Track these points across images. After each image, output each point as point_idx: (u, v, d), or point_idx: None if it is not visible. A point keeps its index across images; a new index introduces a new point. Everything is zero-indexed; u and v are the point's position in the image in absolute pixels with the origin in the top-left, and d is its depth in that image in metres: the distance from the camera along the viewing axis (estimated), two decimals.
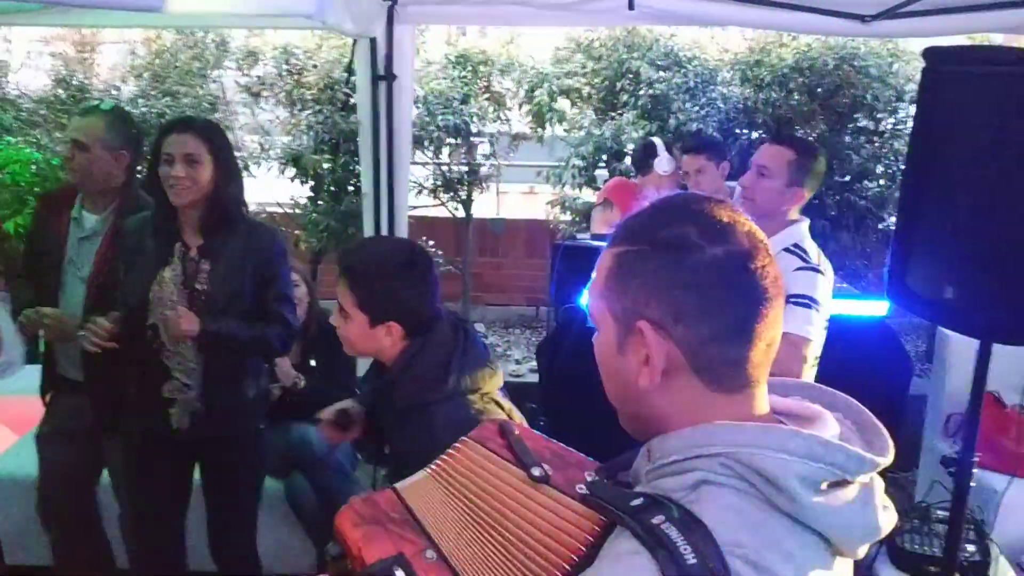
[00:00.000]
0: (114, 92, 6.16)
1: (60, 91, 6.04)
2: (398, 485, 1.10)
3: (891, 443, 0.92)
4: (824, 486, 0.85)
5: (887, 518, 0.89)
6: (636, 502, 0.87)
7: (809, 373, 2.39)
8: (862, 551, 0.88)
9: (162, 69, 6.09)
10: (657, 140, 4.15)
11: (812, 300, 2.38)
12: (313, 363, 3.38)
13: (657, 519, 0.82)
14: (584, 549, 0.95)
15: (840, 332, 2.62)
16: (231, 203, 2.47)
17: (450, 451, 1.15)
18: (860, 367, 3.21)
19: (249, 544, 2.86)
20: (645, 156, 4.09)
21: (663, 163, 4.00)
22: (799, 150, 2.55)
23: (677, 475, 0.88)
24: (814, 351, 2.39)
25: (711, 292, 0.89)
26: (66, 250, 2.68)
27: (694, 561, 0.78)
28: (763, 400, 0.94)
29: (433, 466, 1.13)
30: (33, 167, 4.77)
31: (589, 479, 1.07)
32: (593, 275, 0.99)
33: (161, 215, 2.45)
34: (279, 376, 3.18)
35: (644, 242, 0.92)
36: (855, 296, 3.83)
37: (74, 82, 6.09)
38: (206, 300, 2.43)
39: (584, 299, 2.97)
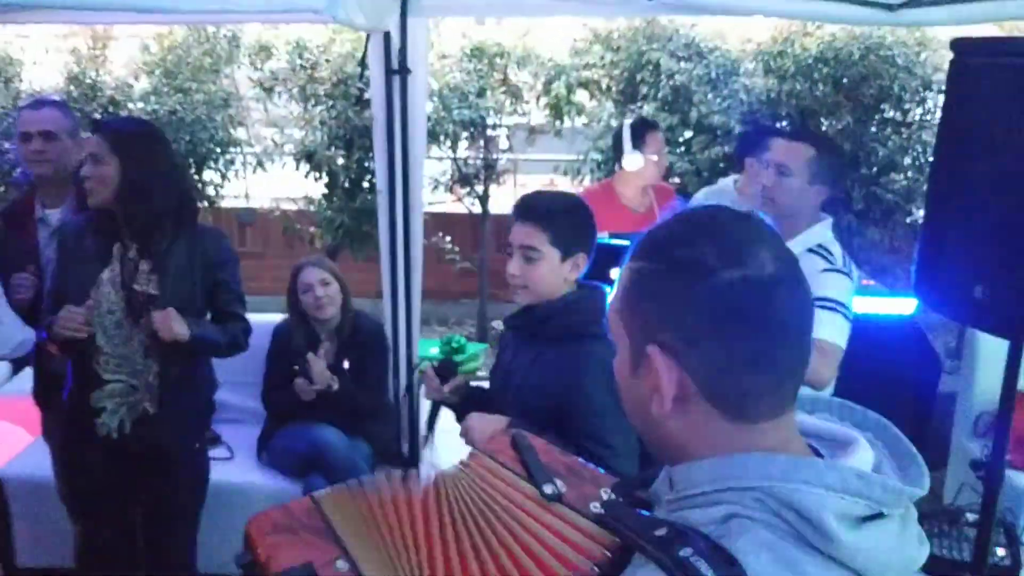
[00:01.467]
0: (126, 89, 6.17)
1: (72, 88, 6.04)
2: (317, 495, 1.11)
3: (926, 470, 0.87)
4: (861, 521, 0.80)
5: (923, 550, 0.85)
6: (660, 532, 0.82)
7: None
8: None
9: (174, 65, 6.07)
10: (626, 126, 3.73)
11: (841, 305, 2.32)
12: (347, 365, 3.35)
13: (685, 552, 0.77)
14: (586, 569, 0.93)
15: (866, 330, 2.57)
16: (153, 207, 2.42)
17: (459, 466, 1.14)
18: (887, 365, 3.15)
19: (188, 563, 2.86)
20: (618, 146, 3.73)
21: (631, 160, 3.64)
22: (818, 145, 2.47)
23: (705, 507, 0.84)
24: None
25: (724, 320, 0.83)
26: (41, 251, 2.76)
27: None
28: (788, 427, 0.88)
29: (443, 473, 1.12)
30: None
31: (604, 497, 1.05)
32: (613, 292, 0.95)
33: (103, 214, 2.42)
34: (313, 378, 3.18)
35: (660, 259, 0.87)
36: (882, 293, 3.76)
37: (87, 80, 6.08)
38: (145, 301, 2.39)
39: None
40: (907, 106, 5.68)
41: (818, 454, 0.88)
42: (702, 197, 3.71)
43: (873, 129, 5.64)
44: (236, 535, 3.47)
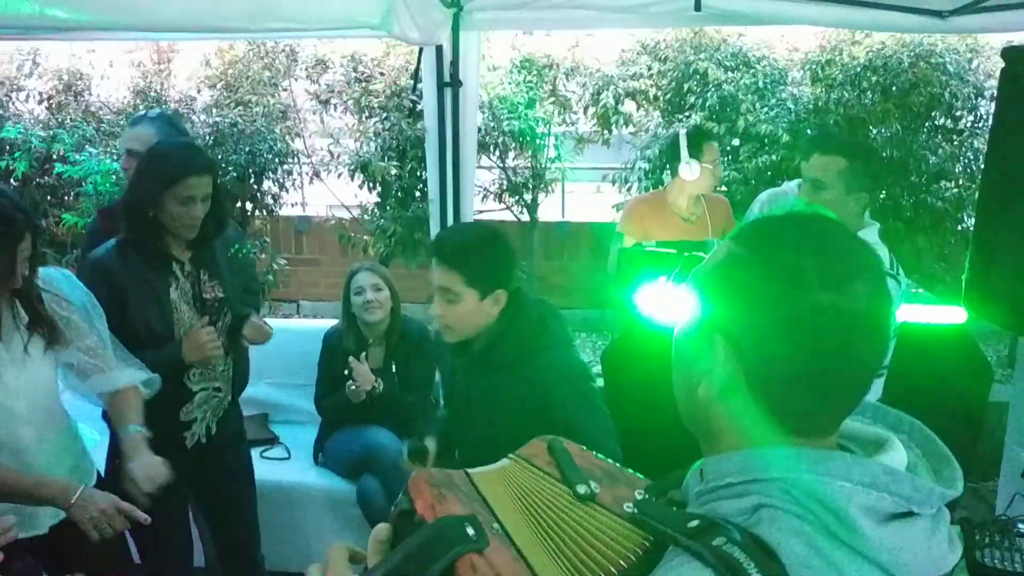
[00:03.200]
0: (189, 102, 6.34)
1: (138, 101, 6.23)
2: (469, 470, 1.08)
3: (960, 473, 0.87)
4: (888, 517, 0.81)
5: (954, 553, 0.84)
6: (693, 524, 0.84)
7: (877, 381, 2.33)
8: None
9: (235, 79, 6.23)
10: (682, 134, 3.66)
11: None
12: (394, 368, 3.43)
13: (718, 541, 0.79)
14: (627, 563, 0.93)
15: (916, 339, 2.54)
16: (225, 214, 2.52)
17: (500, 466, 1.14)
18: (937, 374, 3.11)
19: (256, 552, 2.93)
20: (672, 155, 3.68)
21: (689, 169, 3.58)
22: (850, 155, 2.47)
23: (734, 499, 0.86)
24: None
25: (801, 338, 0.82)
26: None
27: None
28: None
29: (500, 465, 1.13)
30: (113, 177, 4.95)
31: (638, 497, 1.06)
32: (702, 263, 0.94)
33: (150, 239, 2.41)
34: (358, 380, 3.25)
35: (758, 253, 0.86)
36: (932, 301, 3.71)
37: (151, 93, 6.27)
38: (219, 306, 2.49)
39: (643, 303, 2.94)
40: (958, 113, 5.60)
41: None
42: (765, 199, 3.70)
43: (923, 137, 5.57)
44: (293, 533, 3.60)
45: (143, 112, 3.10)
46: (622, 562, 0.93)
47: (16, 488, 1.95)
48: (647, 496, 1.04)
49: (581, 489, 1.05)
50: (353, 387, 3.24)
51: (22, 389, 2.03)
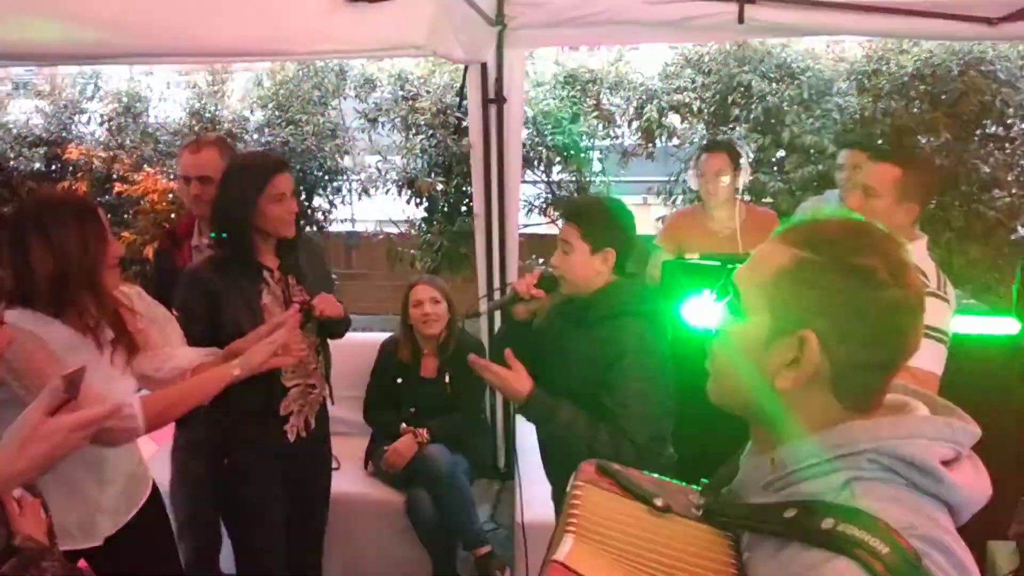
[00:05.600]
0: (242, 122, 6.51)
1: (193, 122, 6.42)
2: (557, 557, 0.99)
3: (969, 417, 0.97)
4: (948, 462, 0.92)
5: (989, 483, 0.95)
6: (790, 514, 0.91)
7: None
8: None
9: (286, 99, 6.38)
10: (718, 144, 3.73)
11: (939, 332, 2.28)
12: (447, 379, 3.49)
13: (827, 523, 0.86)
14: (733, 570, 0.97)
15: (968, 351, 2.50)
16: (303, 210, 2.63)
17: (572, 500, 1.13)
18: (990, 387, 3.05)
19: (319, 557, 3.01)
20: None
21: (692, 180, 3.72)
22: (905, 165, 2.42)
23: (820, 478, 0.93)
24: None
25: (881, 328, 0.94)
26: None
27: (887, 550, 0.82)
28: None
29: (570, 526, 1.06)
30: (169, 196, 5.10)
31: (699, 501, 1.09)
32: (750, 263, 1.03)
33: (247, 247, 2.51)
34: (393, 456, 3.35)
35: (831, 258, 0.96)
36: (984, 312, 3.64)
37: (206, 114, 6.45)
38: (308, 309, 2.56)
39: (690, 314, 2.95)
40: (1010, 121, 5.50)
41: None
42: (807, 208, 3.67)
43: (974, 146, 5.48)
44: (342, 543, 3.63)
45: (193, 137, 3.14)
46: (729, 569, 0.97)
47: None
48: (707, 499, 1.09)
49: (659, 502, 1.09)
50: (387, 456, 3.35)
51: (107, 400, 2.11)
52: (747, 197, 5.45)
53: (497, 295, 3.65)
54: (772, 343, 0.98)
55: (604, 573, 1.00)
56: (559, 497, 2.43)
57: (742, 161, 3.64)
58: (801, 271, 0.96)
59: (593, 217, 2.24)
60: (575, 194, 6.28)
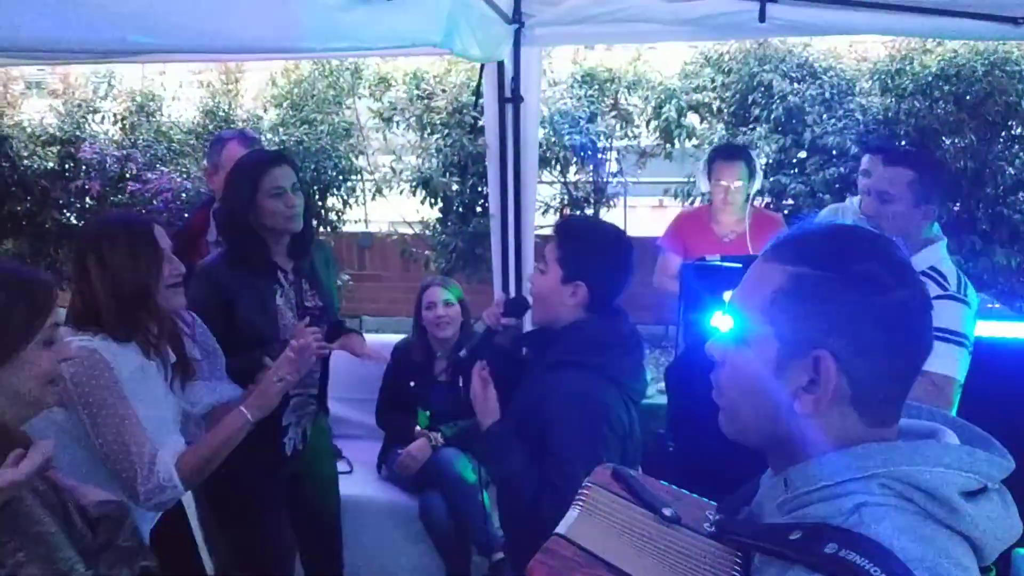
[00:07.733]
0: (256, 121, 6.48)
1: (207, 121, 6.41)
2: (561, 530, 1.04)
3: (1006, 450, 0.91)
4: (971, 495, 0.86)
5: (1020, 522, 0.89)
6: (795, 536, 0.86)
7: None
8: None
9: (300, 98, 6.36)
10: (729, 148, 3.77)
11: (958, 335, 2.23)
12: (460, 383, 3.45)
13: (830, 548, 0.82)
14: None
15: (992, 356, 2.45)
16: (310, 228, 2.58)
17: (583, 491, 1.13)
18: (1015, 393, 3.00)
19: (340, 566, 2.95)
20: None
21: (703, 183, 3.69)
22: (918, 166, 2.39)
23: (829, 500, 0.88)
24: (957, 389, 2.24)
25: (896, 333, 0.89)
26: None
27: None
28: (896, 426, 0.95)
29: (580, 502, 1.10)
30: (183, 195, 5.09)
31: (713, 517, 1.06)
32: (743, 288, 0.98)
33: (257, 247, 2.48)
34: (407, 459, 3.32)
35: (831, 270, 0.90)
36: (1009, 316, 3.58)
37: (220, 113, 6.44)
38: (319, 315, 2.52)
39: (715, 320, 2.89)
40: None
41: None
42: (827, 214, 3.62)
43: (999, 147, 5.40)
44: (355, 545, 3.61)
45: (232, 133, 3.13)
46: None
47: None
48: (725, 516, 1.05)
49: (667, 512, 1.06)
50: (403, 459, 3.31)
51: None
52: (767, 199, 5.42)
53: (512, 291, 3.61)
54: (784, 368, 0.92)
55: (602, 544, 1.01)
56: (511, 547, 2.34)
57: (756, 167, 3.64)
58: (800, 288, 0.91)
59: (575, 241, 2.04)
60: (591, 195, 6.24)
